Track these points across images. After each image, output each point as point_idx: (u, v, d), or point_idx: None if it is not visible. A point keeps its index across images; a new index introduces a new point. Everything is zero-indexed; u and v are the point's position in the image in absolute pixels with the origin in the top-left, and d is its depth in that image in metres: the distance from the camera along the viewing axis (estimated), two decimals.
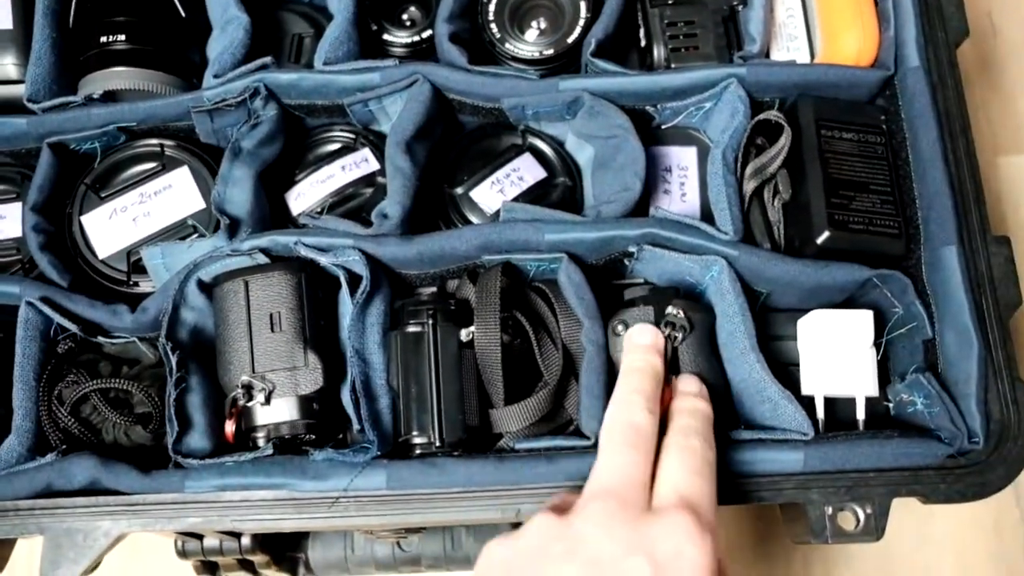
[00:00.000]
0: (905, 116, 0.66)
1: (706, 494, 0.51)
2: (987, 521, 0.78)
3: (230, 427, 0.63)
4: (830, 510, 0.58)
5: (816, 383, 0.64)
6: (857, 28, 0.68)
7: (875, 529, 0.58)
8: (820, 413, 0.64)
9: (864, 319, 0.63)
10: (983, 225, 0.62)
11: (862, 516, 0.58)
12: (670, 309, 0.61)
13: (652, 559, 0.47)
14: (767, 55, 0.71)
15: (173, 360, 0.62)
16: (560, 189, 0.72)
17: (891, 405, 0.65)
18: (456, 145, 0.73)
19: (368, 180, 0.73)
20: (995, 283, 0.61)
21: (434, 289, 0.68)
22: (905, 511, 0.60)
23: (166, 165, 0.72)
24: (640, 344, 0.59)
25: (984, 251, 0.62)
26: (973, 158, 0.64)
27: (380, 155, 0.72)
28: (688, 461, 0.52)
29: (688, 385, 0.59)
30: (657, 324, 0.61)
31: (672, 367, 0.61)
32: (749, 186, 0.66)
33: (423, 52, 0.75)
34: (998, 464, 0.58)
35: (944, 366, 0.61)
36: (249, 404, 0.62)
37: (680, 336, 0.61)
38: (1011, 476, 0.58)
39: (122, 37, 0.70)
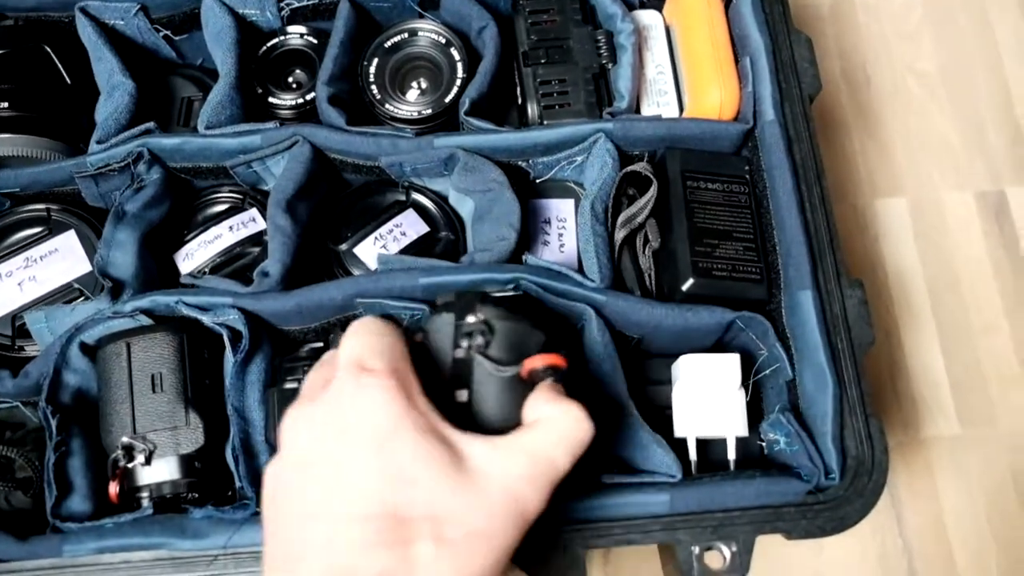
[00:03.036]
0: (764, 166, 0.69)
1: (369, 336, 0.49)
2: (873, 552, 0.81)
3: (113, 489, 0.63)
4: (697, 550, 0.60)
5: (688, 425, 0.66)
6: (718, 85, 0.71)
7: (740, 566, 0.60)
8: (692, 455, 0.66)
9: (732, 362, 0.66)
10: (838, 269, 0.65)
11: (728, 554, 0.60)
12: (469, 317, 0.53)
13: (334, 426, 0.46)
14: (638, 110, 0.74)
15: (53, 424, 0.63)
16: (443, 243, 0.74)
17: (763, 445, 0.67)
18: (341, 202, 0.75)
19: (255, 239, 0.74)
20: (849, 324, 0.64)
21: (317, 345, 0.69)
22: (795, 545, 0.61)
23: (53, 229, 0.72)
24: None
25: (839, 293, 0.64)
26: (827, 205, 0.67)
27: None
28: (352, 330, 0.50)
29: None
30: (457, 331, 0.54)
31: (467, 381, 0.53)
32: (620, 235, 0.69)
33: (308, 113, 0.76)
34: (855, 498, 0.60)
35: (804, 405, 0.64)
36: (130, 465, 0.63)
37: (481, 342, 0.52)
38: (867, 509, 0.60)
39: (5, 104, 0.71)
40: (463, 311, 0.54)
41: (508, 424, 0.51)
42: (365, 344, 0.49)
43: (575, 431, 0.49)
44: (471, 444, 0.47)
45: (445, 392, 0.51)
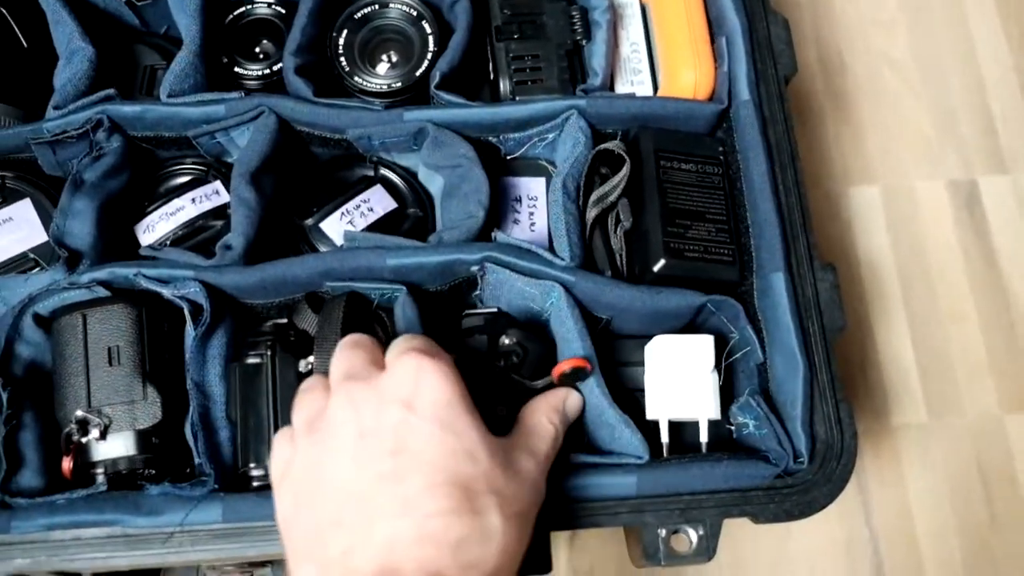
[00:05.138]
0: (738, 147, 0.68)
1: (424, 340, 0.54)
2: (839, 539, 0.81)
3: (67, 464, 0.61)
4: (664, 532, 0.59)
5: (660, 407, 0.65)
6: (693, 64, 0.70)
7: (707, 549, 0.59)
8: (664, 437, 0.65)
9: (705, 344, 0.65)
10: (810, 252, 0.65)
11: (694, 538, 0.59)
12: (503, 340, 0.62)
13: (400, 401, 0.49)
14: (611, 88, 0.73)
15: (3, 397, 0.61)
16: (411, 220, 0.72)
17: (733, 428, 0.66)
18: (308, 177, 0.73)
19: (218, 212, 0.72)
20: (821, 308, 0.63)
21: (282, 321, 0.68)
22: (763, 531, 0.61)
23: (7, 198, 0.70)
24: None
25: (811, 277, 0.64)
26: (801, 187, 0.66)
27: None
28: (405, 337, 0.55)
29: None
30: (492, 353, 0.62)
31: (506, 397, 0.61)
32: (591, 214, 0.68)
33: (275, 84, 0.74)
34: (823, 483, 0.60)
35: (774, 389, 0.63)
36: (84, 440, 0.61)
37: (516, 362, 0.61)
38: (834, 494, 0.60)
39: None
40: (495, 333, 0.62)
41: None
42: (421, 339, 0.54)
43: (560, 438, 0.58)
44: (504, 439, 0.53)
45: (484, 408, 0.56)
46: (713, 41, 0.72)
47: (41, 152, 0.69)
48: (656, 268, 0.65)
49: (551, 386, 0.62)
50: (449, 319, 0.67)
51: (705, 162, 0.69)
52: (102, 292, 0.64)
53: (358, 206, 0.71)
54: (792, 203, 0.66)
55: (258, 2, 0.77)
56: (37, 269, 0.68)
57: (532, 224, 0.72)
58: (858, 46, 0.98)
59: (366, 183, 0.73)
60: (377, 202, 0.72)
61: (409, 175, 0.74)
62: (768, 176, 0.66)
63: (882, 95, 0.97)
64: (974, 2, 1.01)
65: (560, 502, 0.59)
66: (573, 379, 0.62)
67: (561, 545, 0.79)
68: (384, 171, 0.74)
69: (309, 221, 0.71)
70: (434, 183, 0.73)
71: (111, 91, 0.69)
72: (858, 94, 0.96)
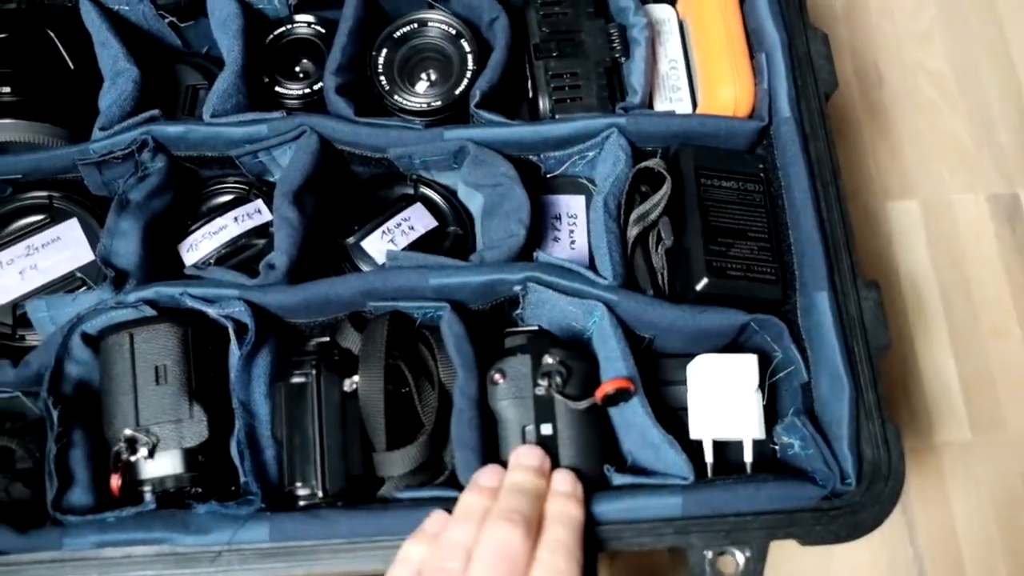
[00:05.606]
0: (780, 164, 0.68)
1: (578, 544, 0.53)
2: (883, 559, 0.80)
3: (115, 481, 0.62)
4: (710, 554, 0.59)
5: (704, 427, 0.65)
6: (733, 81, 0.70)
7: (754, 572, 0.59)
8: (709, 457, 0.65)
9: (749, 363, 0.65)
10: (854, 270, 0.64)
11: (741, 560, 0.59)
12: (546, 359, 0.62)
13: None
14: (650, 105, 0.73)
15: (54, 415, 0.62)
16: (451, 238, 0.73)
17: (777, 448, 0.66)
18: (349, 195, 0.74)
19: (261, 231, 0.73)
20: (865, 326, 0.63)
21: (324, 339, 0.68)
22: (805, 551, 0.60)
23: (54, 217, 0.71)
24: (526, 465, 0.60)
25: (855, 295, 0.63)
26: (844, 204, 0.66)
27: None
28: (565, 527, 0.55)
29: (563, 484, 0.59)
30: (535, 371, 0.62)
31: (550, 416, 0.61)
32: (632, 232, 0.68)
33: (316, 103, 0.75)
34: (870, 504, 0.59)
35: (819, 409, 0.63)
36: (133, 458, 0.62)
37: (560, 382, 0.61)
38: (883, 515, 0.59)
39: (7, 89, 0.70)
40: (538, 353, 0.62)
41: (591, 446, 0.62)
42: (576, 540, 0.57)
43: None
44: None
45: (531, 427, 0.61)
46: (752, 57, 0.72)
47: (88, 172, 0.70)
48: (699, 287, 0.65)
49: (594, 406, 0.62)
50: (490, 337, 0.67)
51: (746, 179, 0.69)
52: (148, 311, 0.65)
53: (399, 224, 0.72)
54: (835, 220, 0.65)
55: (298, 22, 0.78)
56: (84, 288, 0.69)
57: (572, 242, 0.73)
58: (894, 57, 0.97)
59: (406, 201, 0.73)
60: (417, 220, 0.72)
61: (448, 193, 0.74)
62: (810, 193, 0.65)
63: (919, 107, 0.96)
64: (1011, 10, 1.00)
65: (605, 523, 0.59)
66: (616, 400, 0.62)
67: (601, 564, 0.78)
68: (424, 189, 0.74)
69: (351, 240, 0.71)
70: (474, 201, 0.74)
71: (156, 112, 0.70)
72: (895, 106, 0.95)
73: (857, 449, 0.60)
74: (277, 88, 0.76)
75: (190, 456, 0.62)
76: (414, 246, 0.71)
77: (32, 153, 0.70)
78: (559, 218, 0.73)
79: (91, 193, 0.72)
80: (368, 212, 0.72)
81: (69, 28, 0.74)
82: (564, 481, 0.59)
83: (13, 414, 0.68)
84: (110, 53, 0.72)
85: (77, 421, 0.63)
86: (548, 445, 0.61)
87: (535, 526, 0.56)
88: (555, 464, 0.61)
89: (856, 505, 0.59)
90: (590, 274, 0.64)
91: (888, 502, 0.59)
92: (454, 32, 0.74)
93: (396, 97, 0.73)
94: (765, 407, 0.65)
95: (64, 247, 0.70)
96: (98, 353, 0.65)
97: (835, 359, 0.61)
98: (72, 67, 0.73)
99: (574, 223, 0.73)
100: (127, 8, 0.76)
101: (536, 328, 0.68)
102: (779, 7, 0.71)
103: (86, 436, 0.63)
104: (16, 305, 0.69)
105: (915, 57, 0.97)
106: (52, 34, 0.72)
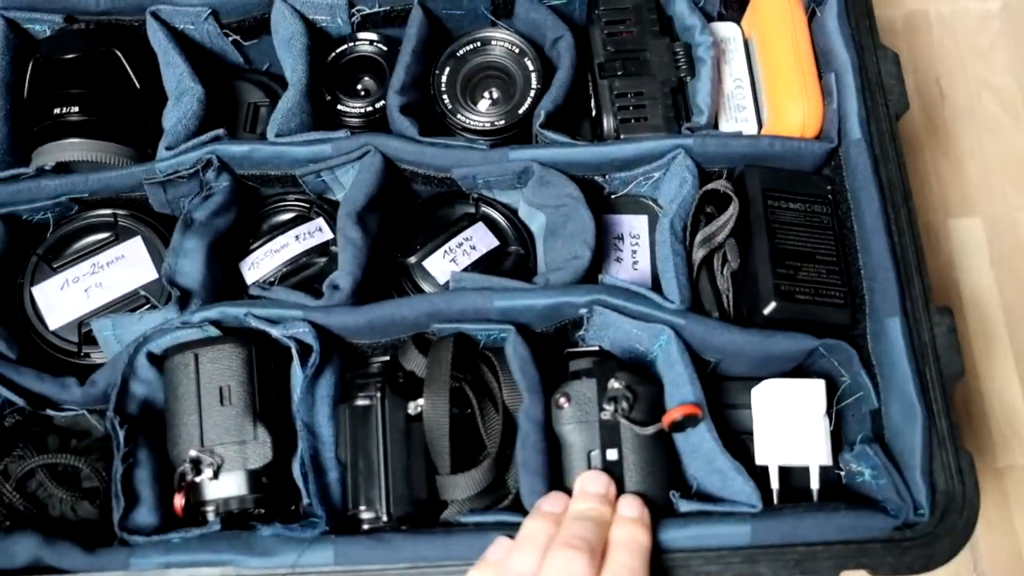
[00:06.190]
0: (849, 187, 0.67)
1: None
2: None
3: (179, 502, 0.62)
4: None
5: (770, 453, 0.64)
6: (802, 101, 0.69)
7: None
8: (775, 484, 0.64)
9: (816, 388, 0.64)
10: (926, 295, 0.63)
11: None
12: (612, 383, 0.61)
13: None
14: (715, 125, 0.72)
15: (121, 435, 0.62)
16: (513, 258, 0.72)
17: (843, 474, 0.65)
18: (410, 214, 0.74)
19: (321, 249, 0.73)
20: (938, 353, 0.62)
21: (385, 359, 0.68)
22: None
23: (119, 235, 0.72)
24: (592, 492, 0.59)
25: (927, 321, 0.62)
26: (915, 228, 0.65)
27: (334, 224, 0.72)
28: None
29: (629, 509, 0.58)
30: (600, 395, 0.61)
31: (616, 441, 0.61)
32: (698, 255, 0.67)
33: (377, 122, 0.75)
34: (944, 536, 0.58)
35: (890, 436, 0.62)
36: (198, 479, 0.62)
37: (626, 407, 0.60)
38: (957, 548, 0.58)
39: (75, 109, 0.70)
40: (604, 378, 0.62)
41: (657, 472, 0.61)
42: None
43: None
44: None
45: (597, 452, 0.61)
46: (821, 77, 0.71)
47: (153, 191, 0.70)
48: (767, 311, 0.64)
49: (661, 431, 0.61)
50: (553, 358, 0.67)
51: (813, 201, 0.68)
52: (213, 331, 0.65)
53: (460, 244, 0.72)
54: (906, 244, 0.64)
55: (360, 40, 0.78)
56: (147, 306, 0.70)
57: (635, 263, 0.72)
58: (956, 74, 0.95)
59: (468, 220, 0.73)
60: (479, 240, 0.72)
61: (510, 212, 0.74)
62: (881, 217, 0.64)
63: (982, 123, 0.94)
64: None
65: (672, 551, 0.58)
66: (683, 426, 0.61)
67: None
68: (485, 208, 0.74)
69: (412, 259, 0.71)
70: (535, 220, 0.73)
71: (220, 131, 0.70)
72: (957, 123, 0.94)
73: (930, 478, 0.59)
74: (339, 106, 0.76)
75: (254, 477, 0.62)
76: (476, 265, 0.71)
77: (100, 172, 0.70)
78: (621, 238, 0.73)
79: (154, 211, 0.72)
80: (429, 231, 0.72)
81: (135, 47, 0.74)
82: (631, 506, 0.59)
83: (78, 432, 0.68)
84: (175, 72, 0.73)
85: (142, 440, 0.64)
86: (613, 471, 0.61)
87: (599, 554, 0.55)
88: (620, 490, 0.60)
89: (930, 536, 0.58)
90: (657, 297, 0.64)
91: (963, 534, 0.58)
92: (518, 51, 0.74)
93: (459, 116, 0.72)
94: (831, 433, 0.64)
95: (128, 265, 0.71)
96: (163, 373, 0.65)
97: (907, 386, 0.60)
98: (138, 86, 0.73)
99: (636, 243, 0.73)
100: (192, 27, 0.76)
101: (599, 350, 0.68)
102: (849, 26, 0.69)
103: (151, 455, 0.64)
104: (82, 323, 0.69)
105: (978, 73, 0.96)
106: (119, 53, 0.73)
